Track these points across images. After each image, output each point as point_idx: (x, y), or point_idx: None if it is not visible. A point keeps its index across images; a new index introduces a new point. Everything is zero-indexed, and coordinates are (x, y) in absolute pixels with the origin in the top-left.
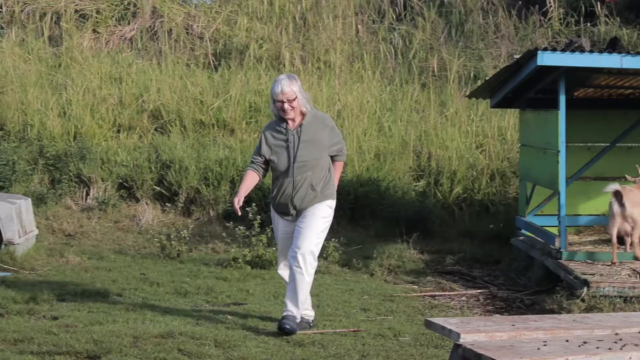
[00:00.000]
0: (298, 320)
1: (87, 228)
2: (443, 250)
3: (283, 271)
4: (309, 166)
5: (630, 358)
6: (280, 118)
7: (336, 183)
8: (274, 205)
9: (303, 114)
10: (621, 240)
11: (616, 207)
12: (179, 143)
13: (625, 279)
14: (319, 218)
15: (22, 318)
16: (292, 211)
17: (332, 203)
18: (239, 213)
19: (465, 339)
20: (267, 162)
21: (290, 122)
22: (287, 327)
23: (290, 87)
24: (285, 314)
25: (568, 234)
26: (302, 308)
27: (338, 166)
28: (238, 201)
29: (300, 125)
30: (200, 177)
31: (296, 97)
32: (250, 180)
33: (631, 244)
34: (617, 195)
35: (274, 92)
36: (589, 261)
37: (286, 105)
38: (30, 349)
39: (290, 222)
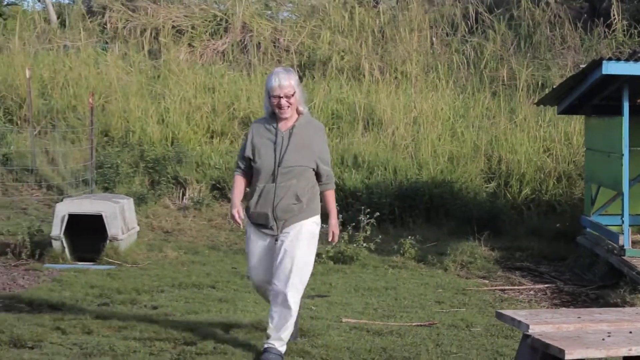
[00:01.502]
0: (282, 356)
1: (184, 225)
2: (512, 248)
3: (260, 291)
4: (294, 173)
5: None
6: (272, 116)
7: (334, 214)
8: (251, 215)
9: (298, 114)
10: None
11: None
12: None
13: None
14: (306, 243)
15: (125, 307)
16: (272, 222)
17: (318, 219)
18: (241, 224)
19: (534, 330)
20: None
21: (282, 122)
22: None
23: (288, 81)
24: (267, 346)
25: (631, 233)
26: (285, 342)
27: (330, 195)
28: (237, 212)
29: (293, 127)
30: None
31: (294, 92)
32: (240, 186)
33: None
34: None
35: (270, 87)
36: None
37: (283, 101)
38: (133, 335)
39: (268, 236)
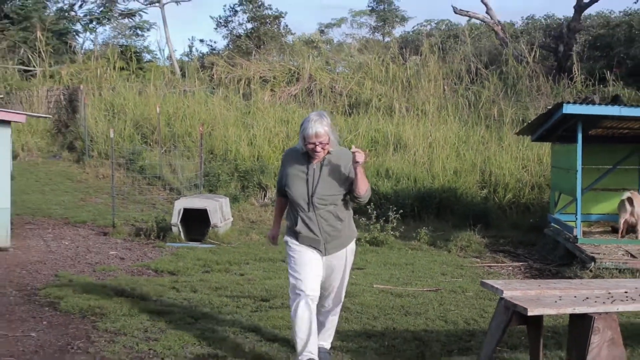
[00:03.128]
0: (330, 353)
1: (264, 217)
2: (497, 236)
3: (303, 311)
4: (329, 201)
5: (617, 309)
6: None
7: (364, 182)
8: (299, 238)
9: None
10: (616, 231)
11: (628, 207)
12: None
13: (620, 257)
14: (350, 262)
15: (221, 274)
16: (322, 247)
17: (355, 237)
18: (275, 246)
19: (507, 294)
20: None
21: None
22: None
23: (323, 128)
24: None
25: (582, 227)
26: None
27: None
28: (273, 237)
29: (323, 159)
30: None
31: (329, 138)
32: (281, 208)
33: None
34: (629, 199)
35: (307, 135)
36: (596, 245)
37: (318, 148)
38: (225, 294)
39: (318, 252)
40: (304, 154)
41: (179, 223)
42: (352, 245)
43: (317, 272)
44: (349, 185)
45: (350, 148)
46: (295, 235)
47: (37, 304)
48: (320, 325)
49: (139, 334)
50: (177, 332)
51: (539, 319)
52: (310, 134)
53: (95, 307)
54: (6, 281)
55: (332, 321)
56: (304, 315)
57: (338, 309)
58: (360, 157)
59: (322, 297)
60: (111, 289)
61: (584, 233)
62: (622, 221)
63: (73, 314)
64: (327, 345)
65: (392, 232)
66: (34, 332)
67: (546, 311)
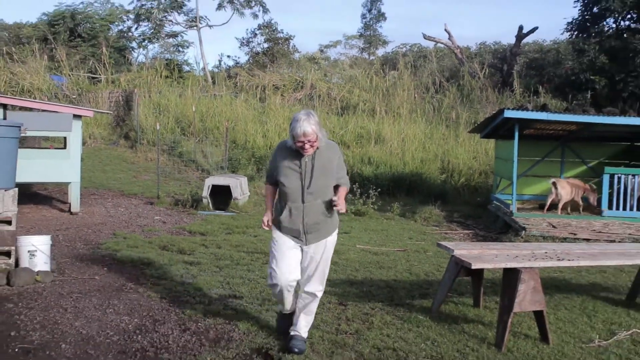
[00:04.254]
0: (305, 340)
1: None
2: (452, 210)
3: (280, 294)
4: (320, 193)
5: (539, 265)
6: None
7: (342, 203)
8: (282, 228)
9: None
10: (543, 207)
11: (553, 190)
12: None
13: (544, 227)
14: (330, 251)
15: (239, 235)
16: (303, 237)
17: (337, 230)
18: (268, 229)
19: (456, 253)
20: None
21: None
22: (296, 349)
23: (310, 127)
24: (293, 334)
25: (516, 204)
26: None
27: (343, 190)
28: (268, 220)
29: (315, 152)
30: None
31: (317, 136)
32: (271, 195)
33: (559, 208)
34: (554, 183)
35: (295, 134)
36: (526, 218)
37: (307, 145)
38: (243, 250)
39: (298, 241)
40: (296, 150)
41: (208, 196)
42: (332, 237)
43: (294, 262)
44: (336, 179)
45: (339, 143)
46: (279, 226)
47: (99, 254)
48: (298, 311)
49: (176, 278)
50: (205, 277)
51: (480, 272)
52: (298, 133)
53: (143, 258)
54: (76, 238)
55: (310, 309)
56: (284, 297)
57: (317, 298)
58: (342, 209)
59: (302, 284)
60: (156, 244)
61: (518, 209)
62: (548, 200)
63: (126, 263)
64: (304, 333)
65: (372, 206)
66: (97, 275)
67: (486, 266)
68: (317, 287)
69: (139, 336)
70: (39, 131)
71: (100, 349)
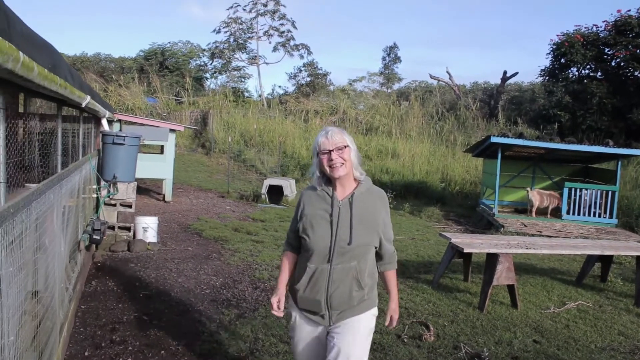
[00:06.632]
0: None
1: None
2: (450, 211)
3: None
4: (355, 253)
5: (512, 251)
6: (326, 182)
7: (395, 296)
8: (298, 299)
9: (356, 182)
10: (518, 211)
11: (528, 197)
12: None
13: (519, 225)
14: (364, 341)
15: (290, 222)
16: (325, 312)
17: (376, 310)
18: (281, 315)
19: (453, 240)
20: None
21: (338, 187)
22: None
23: (340, 135)
24: None
25: (498, 208)
26: None
27: (391, 275)
28: (278, 301)
29: (352, 195)
30: None
31: (347, 146)
32: (288, 266)
33: (533, 212)
34: (529, 192)
35: (319, 142)
36: (505, 218)
37: (334, 155)
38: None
39: (318, 326)
40: (326, 186)
41: (265, 193)
42: (368, 318)
43: (314, 353)
44: (380, 237)
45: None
46: (295, 295)
47: (189, 232)
48: None
49: (247, 252)
50: (268, 252)
51: (469, 255)
52: (322, 139)
53: (222, 236)
54: (171, 220)
55: None
56: None
57: None
58: (394, 323)
59: None
60: (229, 227)
61: (499, 211)
62: (529, 205)
63: (210, 239)
64: None
65: (389, 205)
66: (190, 247)
67: (474, 250)
68: None
69: (224, 290)
70: (148, 140)
71: (198, 298)
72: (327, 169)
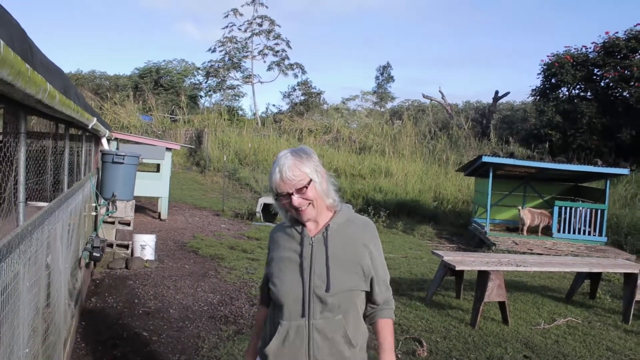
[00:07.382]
0: None
1: None
2: (442, 229)
3: None
4: (339, 302)
5: (503, 269)
6: (293, 218)
7: (389, 347)
8: None
9: (330, 210)
10: (509, 230)
11: (520, 215)
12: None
13: (510, 243)
14: None
15: None
16: None
17: None
18: None
19: (445, 258)
20: None
21: (309, 224)
22: None
23: (297, 169)
24: None
25: (489, 226)
26: None
27: (386, 325)
28: None
29: (326, 227)
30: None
31: (310, 181)
32: (260, 326)
33: (524, 231)
34: (520, 211)
35: (274, 184)
36: (496, 236)
37: (295, 199)
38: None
39: None
40: (295, 222)
41: (260, 211)
42: None
43: None
44: (371, 277)
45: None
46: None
47: (185, 250)
48: None
49: (243, 269)
50: (263, 270)
51: (461, 273)
52: (276, 180)
53: (218, 254)
54: (167, 237)
55: None
56: None
57: None
58: None
59: None
60: (225, 245)
61: (490, 230)
62: (520, 223)
63: (206, 257)
64: None
65: (382, 223)
66: (187, 264)
67: (466, 268)
68: None
69: (222, 307)
70: (145, 159)
71: (197, 314)
72: (293, 212)
